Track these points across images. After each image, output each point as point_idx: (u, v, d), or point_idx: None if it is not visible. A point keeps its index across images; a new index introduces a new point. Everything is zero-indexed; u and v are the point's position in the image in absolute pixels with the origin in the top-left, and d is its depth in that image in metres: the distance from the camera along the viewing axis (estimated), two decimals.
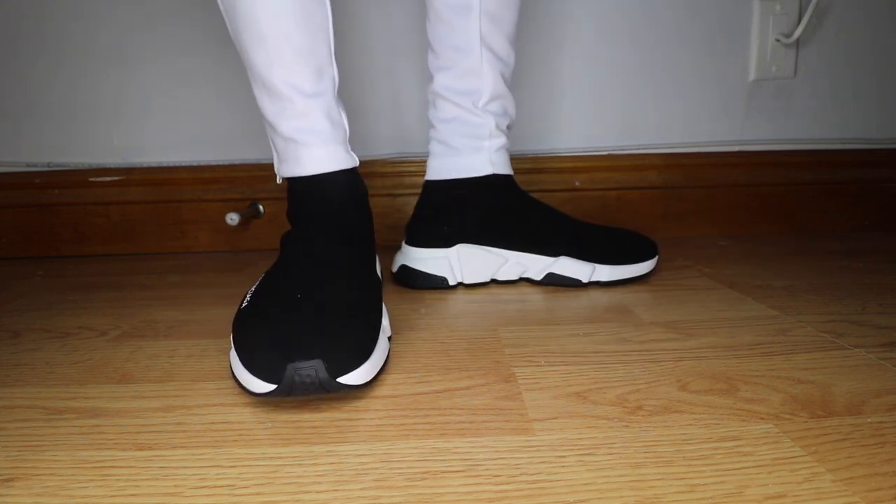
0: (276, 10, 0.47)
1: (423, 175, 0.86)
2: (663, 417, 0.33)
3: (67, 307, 0.60)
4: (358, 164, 0.54)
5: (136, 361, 0.44)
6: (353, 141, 0.89)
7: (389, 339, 0.46)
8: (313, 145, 0.51)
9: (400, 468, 0.29)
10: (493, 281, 0.64)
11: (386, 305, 0.50)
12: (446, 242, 0.61)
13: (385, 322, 0.44)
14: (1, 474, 0.29)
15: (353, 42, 0.82)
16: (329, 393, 0.35)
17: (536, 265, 0.62)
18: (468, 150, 0.62)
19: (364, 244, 0.51)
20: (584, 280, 0.61)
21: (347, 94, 0.84)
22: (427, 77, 0.64)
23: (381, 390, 0.38)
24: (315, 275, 0.45)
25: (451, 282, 0.62)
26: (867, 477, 0.27)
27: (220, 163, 0.86)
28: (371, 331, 0.40)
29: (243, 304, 0.43)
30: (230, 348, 0.40)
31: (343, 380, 0.35)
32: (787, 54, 0.85)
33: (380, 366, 0.39)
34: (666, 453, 0.29)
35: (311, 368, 0.34)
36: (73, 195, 0.85)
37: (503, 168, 0.62)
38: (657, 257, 0.64)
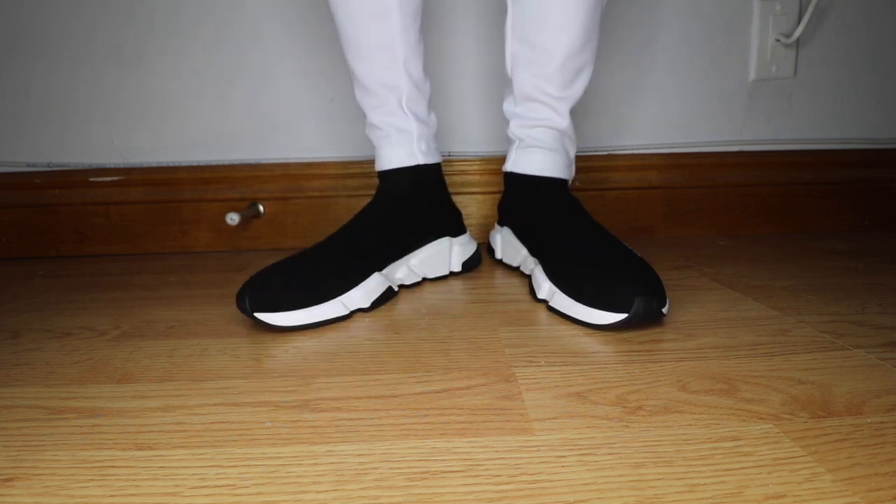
0: (350, 11, 0.57)
1: None
2: (663, 417, 0.33)
3: (67, 307, 0.60)
4: (421, 161, 0.63)
5: (136, 361, 0.44)
6: (353, 142, 0.89)
7: (366, 310, 0.54)
8: (380, 146, 0.63)
9: (400, 468, 0.29)
10: (519, 270, 0.67)
11: (367, 287, 0.55)
12: (500, 222, 0.71)
13: (356, 293, 0.54)
14: (1, 474, 0.29)
15: None
16: (258, 323, 0.50)
17: (529, 266, 0.62)
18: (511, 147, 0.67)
19: (396, 232, 0.61)
20: (537, 296, 0.55)
21: (349, 97, 0.84)
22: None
23: (381, 390, 0.38)
24: (330, 243, 0.57)
25: (497, 255, 0.72)
26: (867, 477, 0.27)
27: (220, 163, 0.86)
28: (323, 289, 0.51)
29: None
30: None
31: (260, 316, 0.48)
32: (787, 54, 0.85)
33: (318, 319, 0.50)
34: (666, 453, 0.29)
35: (244, 301, 0.49)
36: (73, 195, 0.85)
37: (523, 168, 0.64)
38: (625, 316, 0.45)
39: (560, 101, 0.60)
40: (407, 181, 0.62)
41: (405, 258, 0.62)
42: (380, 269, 0.58)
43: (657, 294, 0.46)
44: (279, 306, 0.49)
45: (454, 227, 0.67)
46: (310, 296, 0.50)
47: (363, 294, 0.54)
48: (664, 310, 0.47)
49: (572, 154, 0.64)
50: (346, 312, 0.53)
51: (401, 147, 0.62)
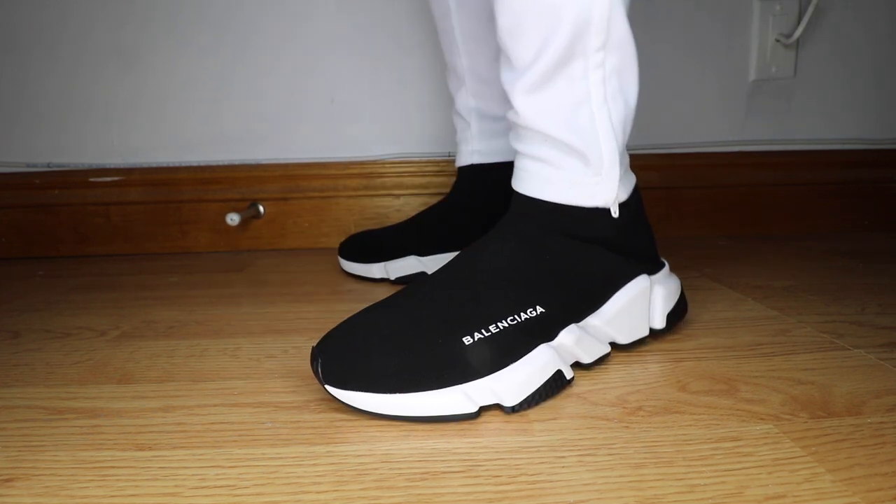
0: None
1: (423, 176, 0.86)
2: (663, 418, 0.33)
3: (67, 307, 0.60)
4: (476, 161, 0.58)
5: (136, 361, 0.44)
6: (352, 142, 0.89)
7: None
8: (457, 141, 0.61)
9: (400, 468, 0.29)
10: None
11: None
12: None
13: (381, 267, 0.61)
14: (1, 474, 0.29)
15: (356, 44, 0.82)
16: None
17: None
18: None
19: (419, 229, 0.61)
20: None
21: (349, 97, 0.84)
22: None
23: None
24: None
25: None
26: (867, 477, 0.27)
27: (220, 163, 0.86)
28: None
29: None
30: None
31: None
32: (787, 54, 0.85)
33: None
34: (666, 454, 0.29)
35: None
36: (73, 195, 0.85)
37: None
38: None
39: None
40: (462, 183, 0.58)
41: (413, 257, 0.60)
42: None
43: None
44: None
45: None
46: None
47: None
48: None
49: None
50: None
51: (461, 144, 0.58)
